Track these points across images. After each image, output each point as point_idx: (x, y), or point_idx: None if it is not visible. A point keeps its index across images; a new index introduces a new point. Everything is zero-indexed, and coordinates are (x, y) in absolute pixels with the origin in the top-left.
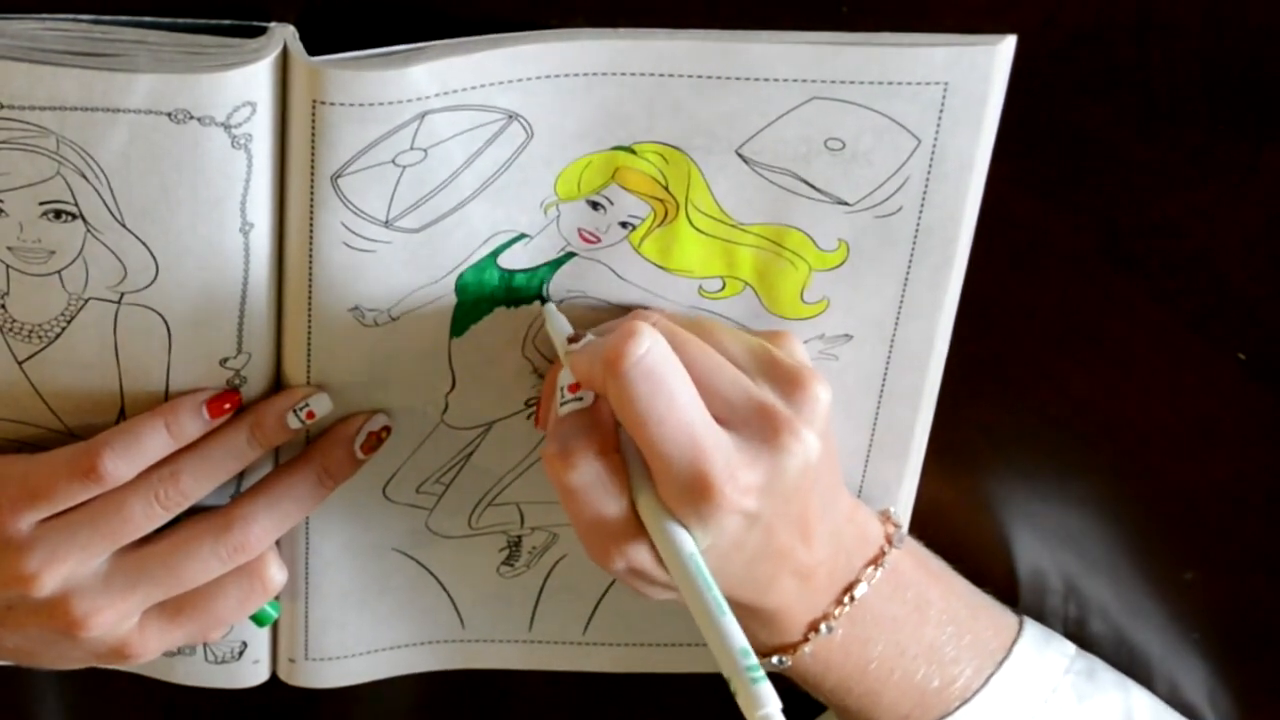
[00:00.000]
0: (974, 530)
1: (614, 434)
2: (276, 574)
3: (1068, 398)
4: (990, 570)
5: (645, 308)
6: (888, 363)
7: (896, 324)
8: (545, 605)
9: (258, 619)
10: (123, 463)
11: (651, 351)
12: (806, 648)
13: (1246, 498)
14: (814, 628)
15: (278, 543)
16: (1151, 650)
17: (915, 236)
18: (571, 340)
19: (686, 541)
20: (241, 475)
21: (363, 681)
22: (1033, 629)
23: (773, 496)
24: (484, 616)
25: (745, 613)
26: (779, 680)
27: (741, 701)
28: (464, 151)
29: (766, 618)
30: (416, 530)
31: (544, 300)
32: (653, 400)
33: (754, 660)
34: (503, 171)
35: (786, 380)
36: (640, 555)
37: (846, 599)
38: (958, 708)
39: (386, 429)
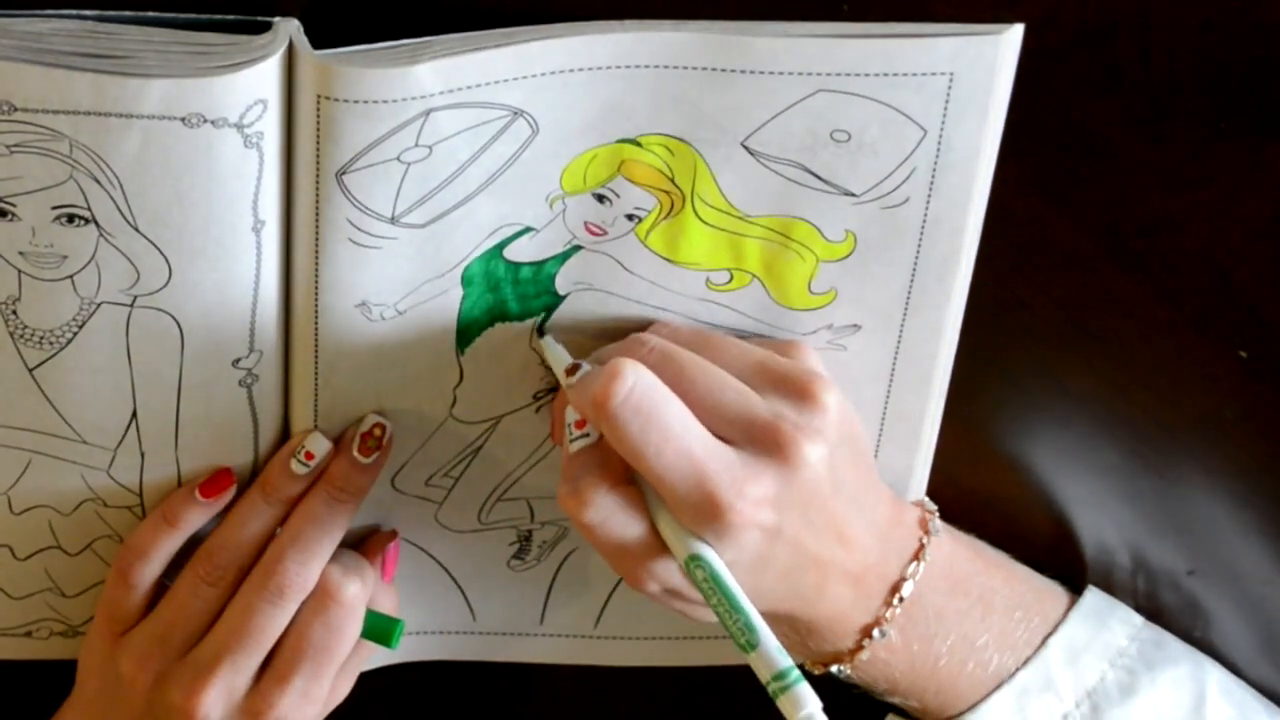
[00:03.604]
0: (979, 522)
1: (624, 466)
2: (346, 586)
3: (1070, 395)
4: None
5: (651, 322)
6: (896, 353)
7: (905, 314)
8: (556, 599)
9: (380, 639)
10: (145, 566)
11: (636, 388)
12: (863, 654)
13: (1247, 495)
14: (867, 633)
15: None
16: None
17: (923, 227)
18: (570, 372)
19: (707, 554)
20: None
21: (374, 666)
22: (1096, 597)
23: (789, 507)
24: (495, 610)
25: (797, 626)
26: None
27: (782, 705)
28: (469, 148)
29: (821, 627)
30: (426, 523)
31: (541, 333)
32: (645, 435)
33: (789, 662)
34: (508, 167)
35: (795, 390)
36: (670, 574)
37: (895, 600)
38: (1016, 672)
39: (379, 426)
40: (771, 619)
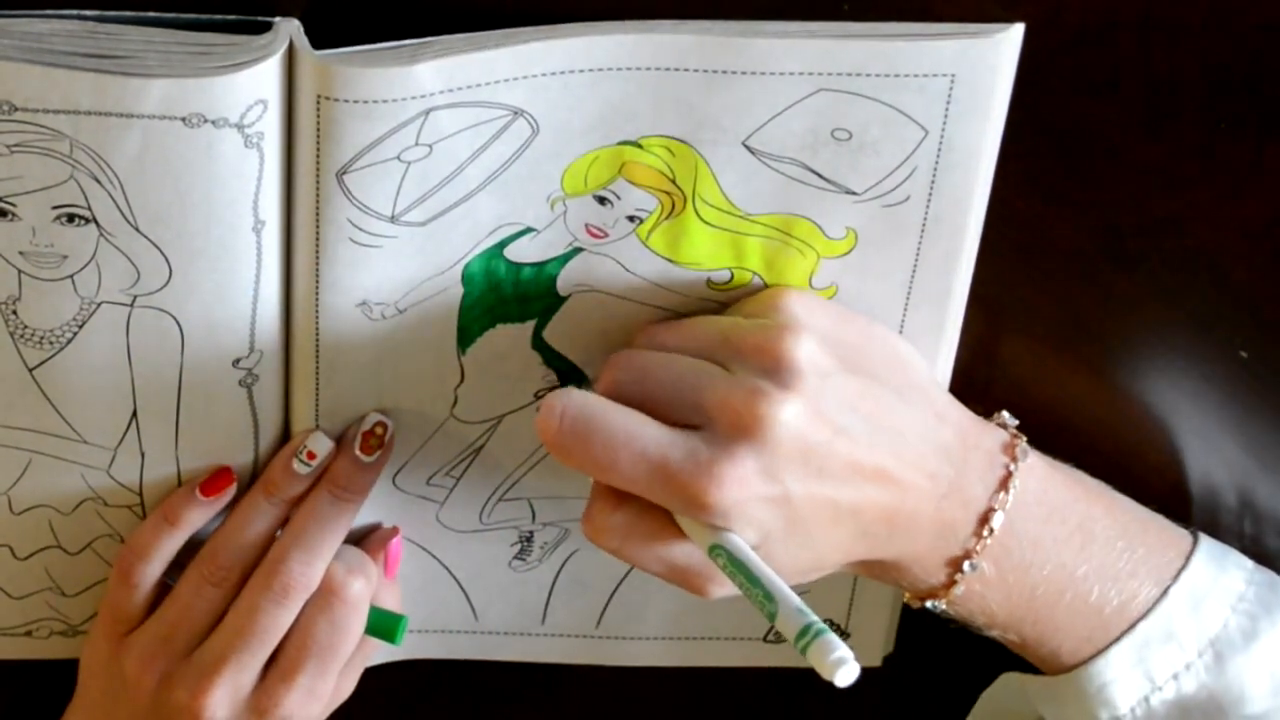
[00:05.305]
0: None
1: None
2: (351, 583)
3: (1069, 396)
4: None
5: (652, 323)
6: None
7: (905, 311)
8: (558, 599)
9: (384, 635)
10: (146, 566)
11: (566, 413)
12: (957, 588)
13: (1248, 497)
14: (958, 566)
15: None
16: None
17: (924, 225)
18: None
19: (721, 540)
20: None
21: (377, 663)
22: (1208, 541)
23: (782, 471)
24: (497, 609)
25: (886, 567)
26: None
27: (813, 660)
28: (469, 147)
29: (907, 564)
30: (428, 523)
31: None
32: (591, 453)
33: (812, 617)
34: (508, 166)
35: (758, 352)
36: (720, 575)
37: (985, 532)
38: (1136, 623)
39: (382, 424)
40: (857, 568)
